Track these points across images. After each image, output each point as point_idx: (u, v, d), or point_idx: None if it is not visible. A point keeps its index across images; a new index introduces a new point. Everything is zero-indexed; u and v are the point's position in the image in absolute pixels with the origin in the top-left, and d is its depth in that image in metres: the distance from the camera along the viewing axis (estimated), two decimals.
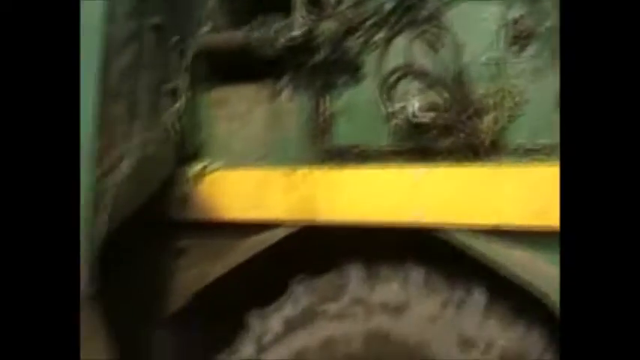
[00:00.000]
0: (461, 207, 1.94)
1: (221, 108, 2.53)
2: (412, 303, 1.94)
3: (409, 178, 2.02)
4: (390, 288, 1.99)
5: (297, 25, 2.23)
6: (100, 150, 2.09)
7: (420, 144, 2.06)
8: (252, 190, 2.31)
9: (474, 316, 1.88)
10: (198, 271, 2.43)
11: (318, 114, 2.30)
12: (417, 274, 1.98)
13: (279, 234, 2.24)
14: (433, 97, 2.02)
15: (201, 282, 2.40)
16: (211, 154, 2.51)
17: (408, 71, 2.07)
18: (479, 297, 1.90)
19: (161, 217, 2.43)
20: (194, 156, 2.51)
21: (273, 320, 2.15)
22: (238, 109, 2.50)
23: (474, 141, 1.98)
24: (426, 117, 1.97)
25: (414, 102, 1.99)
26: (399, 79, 2.08)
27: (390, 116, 2.10)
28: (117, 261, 2.25)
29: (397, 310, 1.94)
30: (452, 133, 2.01)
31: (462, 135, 1.99)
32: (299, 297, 2.13)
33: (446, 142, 2.03)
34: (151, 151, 2.30)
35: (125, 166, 2.18)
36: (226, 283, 2.36)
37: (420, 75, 2.05)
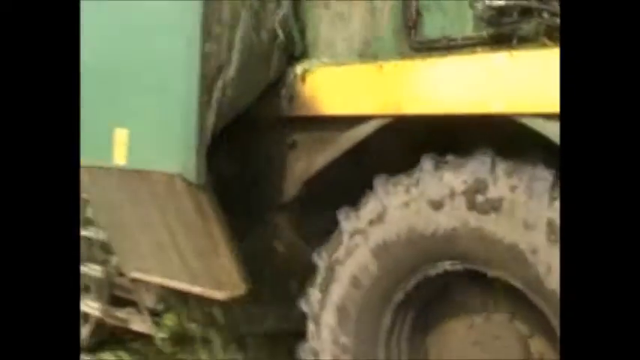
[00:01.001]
0: (541, 93, 1.91)
1: (325, 9, 2.66)
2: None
3: (489, 64, 2.02)
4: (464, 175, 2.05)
5: None
6: (207, 53, 2.35)
7: (500, 30, 2.02)
8: (348, 86, 2.45)
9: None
10: (305, 162, 2.66)
11: (408, 8, 2.33)
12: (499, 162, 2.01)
13: (370, 127, 2.37)
14: None
15: (308, 172, 2.64)
16: (316, 53, 2.67)
17: None
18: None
19: (272, 113, 2.67)
20: (301, 55, 2.69)
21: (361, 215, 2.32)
22: (339, 9, 2.61)
23: (553, 24, 1.90)
24: (502, 1, 1.92)
25: None
26: None
27: (472, 3, 2.07)
28: (230, 154, 2.56)
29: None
30: (532, 16, 1.94)
31: (542, 18, 1.92)
32: (379, 194, 2.27)
33: (526, 27, 1.97)
34: (257, 53, 2.52)
35: (232, 68, 2.43)
36: (328, 173, 2.57)
37: None
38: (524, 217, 1.90)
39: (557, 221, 1.78)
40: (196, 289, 2.71)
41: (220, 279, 2.60)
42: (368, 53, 2.50)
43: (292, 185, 2.72)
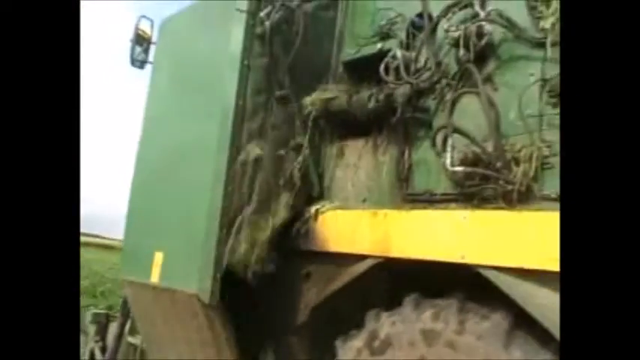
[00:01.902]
0: (494, 247, 2.18)
1: (339, 159, 3.09)
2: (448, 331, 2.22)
3: (455, 220, 2.32)
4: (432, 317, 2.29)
5: (381, 91, 2.70)
6: (229, 193, 2.80)
7: (466, 191, 2.34)
8: (350, 227, 2.80)
9: (497, 343, 2.08)
10: (314, 291, 2.98)
11: (401, 165, 2.71)
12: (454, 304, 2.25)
13: (365, 265, 2.68)
14: (473, 150, 2.30)
15: (317, 300, 2.95)
16: (330, 196, 3.07)
17: (453, 128, 2.38)
18: (504, 326, 2.10)
19: (290, 246, 3.04)
20: (319, 196, 3.10)
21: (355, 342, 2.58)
22: (351, 160, 3.03)
23: (508, 189, 2.20)
24: (464, 169, 2.26)
25: (453, 155, 2.29)
26: (446, 135, 2.40)
27: (443, 167, 2.42)
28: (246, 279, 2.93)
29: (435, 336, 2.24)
30: (490, 182, 2.26)
31: (498, 183, 2.22)
32: (371, 327, 2.53)
33: (487, 190, 2.28)
34: (275, 195, 2.94)
35: (251, 208, 2.86)
36: (334, 301, 2.87)
37: (461, 131, 2.35)
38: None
39: None
40: None
41: None
42: (371, 199, 2.87)
43: (304, 311, 3.02)
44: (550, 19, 2.05)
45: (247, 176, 2.84)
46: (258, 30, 2.90)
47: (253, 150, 2.87)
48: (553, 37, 2.06)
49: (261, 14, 2.91)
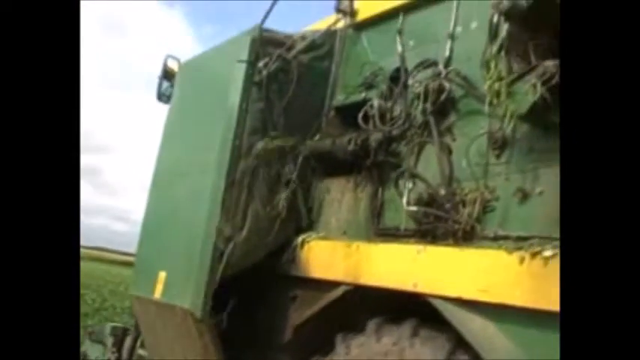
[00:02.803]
0: (440, 279, 2.47)
1: (327, 194, 3.43)
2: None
3: (412, 254, 2.62)
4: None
5: (359, 136, 3.04)
6: (224, 223, 3.16)
7: (422, 228, 2.65)
8: (329, 256, 3.12)
9: None
10: (298, 313, 3.30)
11: (374, 202, 3.03)
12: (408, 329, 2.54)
13: (339, 291, 3.00)
14: (428, 192, 2.62)
15: (299, 320, 3.26)
16: (317, 227, 3.41)
17: (410, 172, 2.71)
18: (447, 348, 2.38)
19: (279, 271, 3.38)
20: (308, 227, 3.44)
21: None
22: (335, 196, 3.36)
23: (455, 228, 2.50)
24: (417, 208, 2.58)
25: (409, 196, 2.61)
26: (402, 178, 2.73)
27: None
28: (236, 299, 3.27)
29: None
30: (441, 221, 2.56)
31: (448, 223, 2.53)
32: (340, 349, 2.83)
33: (439, 228, 2.58)
34: (264, 225, 3.30)
35: (243, 234, 3.22)
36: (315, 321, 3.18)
37: (418, 175, 2.67)
38: None
39: None
40: None
41: None
42: (349, 232, 3.19)
43: (289, 330, 3.34)
44: (488, 82, 2.37)
45: (241, 205, 3.20)
46: (256, 78, 3.29)
47: (247, 183, 3.24)
48: (490, 97, 2.37)
49: (260, 64, 3.30)
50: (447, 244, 2.54)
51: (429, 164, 2.78)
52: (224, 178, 3.19)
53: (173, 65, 4.88)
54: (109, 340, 5.08)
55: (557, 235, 1.99)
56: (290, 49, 3.43)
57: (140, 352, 4.41)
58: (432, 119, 2.72)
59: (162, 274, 3.44)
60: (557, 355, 1.54)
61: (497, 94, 2.36)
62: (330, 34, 3.58)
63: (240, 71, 3.32)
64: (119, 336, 5.12)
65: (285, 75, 3.39)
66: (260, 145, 3.29)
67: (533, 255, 2.10)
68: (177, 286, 3.32)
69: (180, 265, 3.33)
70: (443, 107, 2.75)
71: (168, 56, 4.98)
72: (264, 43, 3.37)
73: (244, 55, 3.30)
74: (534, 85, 2.14)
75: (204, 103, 3.72)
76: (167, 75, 4.94)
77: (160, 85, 5.00)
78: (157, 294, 3.45)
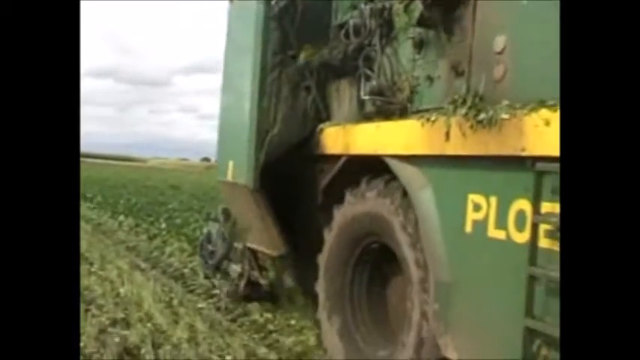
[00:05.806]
0: (387, 143, 3.65)
1: (336, 93, 4.63)
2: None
3: (372, 129, 3.81)
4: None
5: (345, 47, 4.19)
6: (260, 119, 4.50)
7: (380, 110, 3.82)
8: (334, 137, 4.38)
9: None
10: (322, 178, 4.63)
11: (358, 95, 4.20)
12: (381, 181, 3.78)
13: (341, 162, 4.26)
14: (378, 84, 3.76)
15: (323, 184, 4.59)
16: (331, 118, 4.65)
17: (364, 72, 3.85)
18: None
19: (308, 152, 4.69)
20: (326, 119, 4.69)
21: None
22: (342, 94, 4.56)
23: (395, 107, 3.65)
24: (370, 97, 3.75)
25: (366, 88, 3.78)
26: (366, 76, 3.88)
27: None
28: (278, 174, 4.65)
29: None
30: (387, 104, 3.71)
31: (392, 104, 3.68)
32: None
33: (389, 108, 3.74)
34: (292, 120, 4.59)
35: (276, 128, 4.54)
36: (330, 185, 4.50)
37: (369, 74, 3.80)
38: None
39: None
40: (263, 249, 4.86)
41: (272, 244, 4.71)
42: (348, 119, 4.40)
43: (319, 193, 4.69)
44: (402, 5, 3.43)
45: (272, 107, 4.51)
46: (271, 13, 4.50)
47: (275, 91, 4.53)
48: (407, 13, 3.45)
49: (272, 2, 4.50)
50: (391, 120, 3.70)
51: (382, 64, 3.89)
52: (257, 88, 4.50)
53: None
54: (222, 217, 6.73)
55: (446, 105, 3.09)
56: None
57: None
58: (379, 31, 3.80)
59: (231, 163, 4.89)
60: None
61: (408, 11, 3.43)
62: None
63: (260, 8, 4.53)
64: (228, 214, 6.77)
65: (294, 7, 4.55)
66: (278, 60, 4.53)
67: (427, 120, 3.23)
68: (239, 169, 4.76)
69: (240, 155, 4.75)
70: (389, 22, 3.81)
71: None
72: None
73: None
74: (417, 5, 3.20)
75: (243, 33, 4.96)
76: None
77: None
78: (229, 177, 4.92)
